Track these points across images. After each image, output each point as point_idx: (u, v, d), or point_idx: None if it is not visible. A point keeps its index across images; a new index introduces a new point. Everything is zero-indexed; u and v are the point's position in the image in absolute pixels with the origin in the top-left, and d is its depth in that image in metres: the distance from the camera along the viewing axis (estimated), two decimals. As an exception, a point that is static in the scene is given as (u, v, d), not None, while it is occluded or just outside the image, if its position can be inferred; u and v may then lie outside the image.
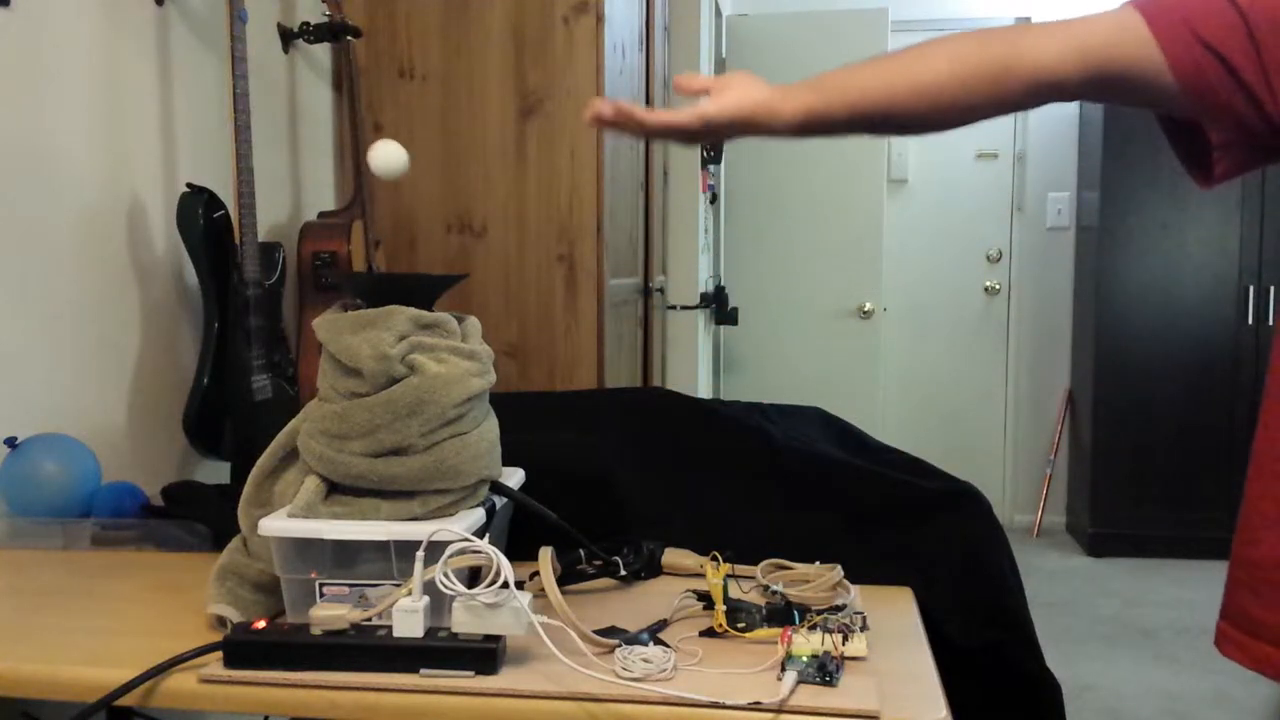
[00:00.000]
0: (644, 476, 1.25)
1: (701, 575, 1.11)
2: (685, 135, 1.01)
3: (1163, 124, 1.00)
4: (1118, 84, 0.92)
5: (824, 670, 0.84)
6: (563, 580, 1.06)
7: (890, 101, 0.96)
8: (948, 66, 0.94)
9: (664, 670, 0.85)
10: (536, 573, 0.97)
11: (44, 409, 1.48)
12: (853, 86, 0.97)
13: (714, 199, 4.26)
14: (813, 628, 0.90)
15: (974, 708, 1.12)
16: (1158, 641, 3.48)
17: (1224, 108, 0.90)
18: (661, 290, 3.25)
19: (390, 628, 0.87)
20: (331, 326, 0.99)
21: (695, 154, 3.70)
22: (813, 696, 0.82)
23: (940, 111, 0.96)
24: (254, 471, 1.05)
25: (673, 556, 1.15)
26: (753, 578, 1.09)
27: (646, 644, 0.89)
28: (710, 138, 1.01)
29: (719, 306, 4.10)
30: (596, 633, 0.91)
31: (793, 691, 0.82)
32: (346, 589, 0.96)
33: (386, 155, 1.15)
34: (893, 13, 4.59)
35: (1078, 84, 0.93)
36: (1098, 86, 0.93)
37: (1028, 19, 4.74)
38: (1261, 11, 0.87)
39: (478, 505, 1.01)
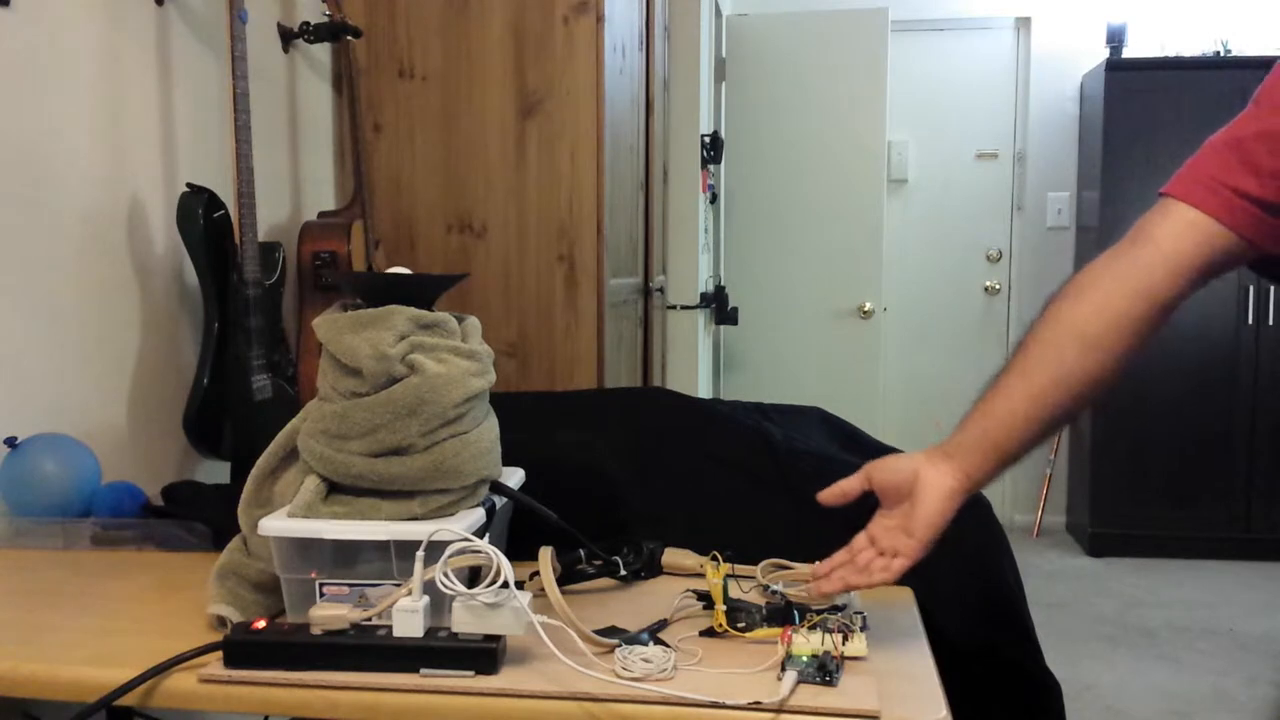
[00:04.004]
0: (644, 476, 1.25)
1: (701, 575, 1.11)
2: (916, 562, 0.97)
3: (1256, 269, 1.02)
4: (1216, 272, 0.95)
5: (824, 670, 0.84)
6: (563, 580, 1.06)
7: (1055, 411, 0.93)
8: (1086, 350, 0.92)
9: (664, 670, 0.85)
10: (536, 573, 0.97)
11: (44, 409, 1.48)
12: (1018, 422, 0.94)
13: (714, 199, 4.26)
14: (813, 628, 0.90)
15: (974, 708, 1.12)
16: (1158, 641, 3.48)
17: None
18: (661, 290, 3.25)
19: (390, 628, 0.87)
20: (331, 326, 0.99)
21: (695, 154, 3.70)
22: (813, 696, 0.82)
23: (1103, 384, 0.94)
24: (254, 471, 1.05)
25: (673, 556, 1.15)
26: (753, 578, 1.09)
27: (646, 644, 0.89)
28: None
29: (719, 306, 4.10)
30: (596, 633, 0.91)
31: (793, 691, 0.82)
32: (346, 589, 0.96)
33: None
34: (893, 13, 4.59)
35: (1190, 292, 0.94)
36: (1205, 281, 0.95)
37: (1028, 20, 4.74)
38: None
39: (478, 505, 1.01)
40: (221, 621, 0.98)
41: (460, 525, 0.94)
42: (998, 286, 4.92)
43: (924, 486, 0.96)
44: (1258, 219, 0.91)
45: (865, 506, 1.19)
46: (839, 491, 1.02)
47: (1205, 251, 0.93)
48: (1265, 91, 0.92)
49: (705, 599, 1.01)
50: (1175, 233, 0.93)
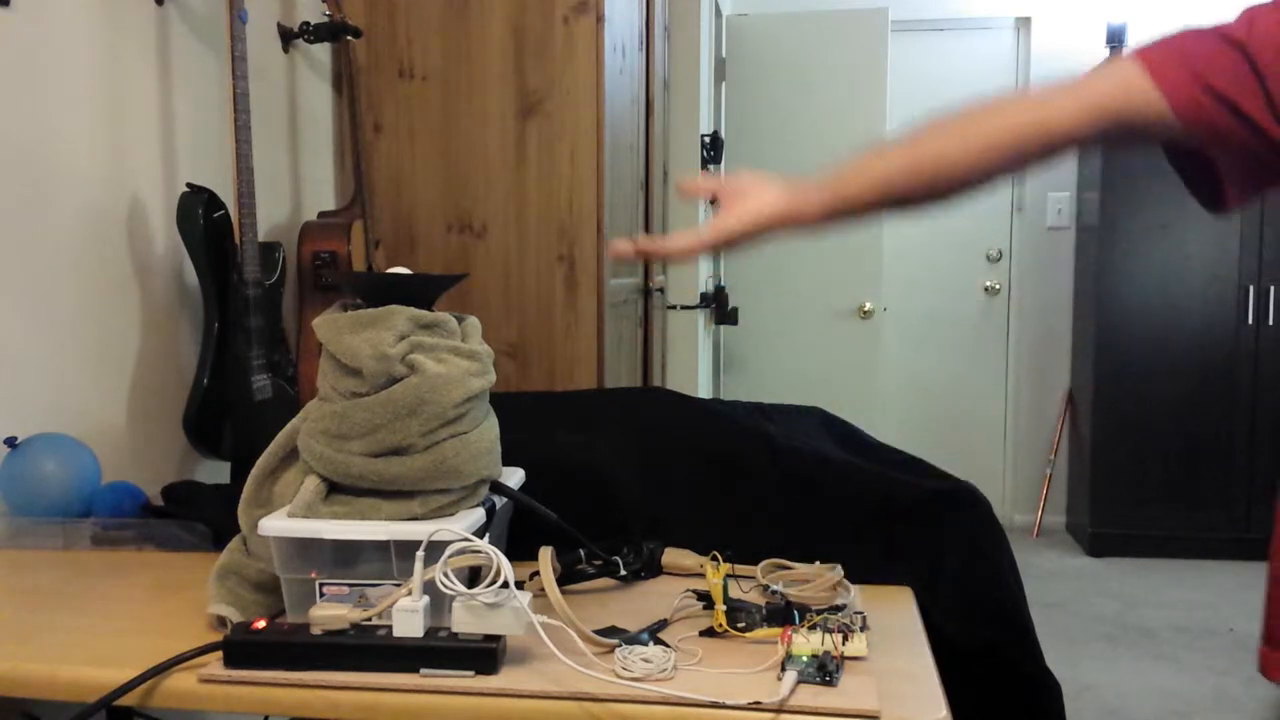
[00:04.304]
0: (644, 476, 1.25)
1: (701, 575, 1.11)
2: (712, 252, 1.02)
3: (1171, 159, 1.01)
4: (1129, 135, 0.94)
5: (824, 670, 0.84)
6: (563, 580, 1.06)
7: (909, 183, 0.97)
8: (964, 143, 0.95)
9: (664, 670, 0.85)
10: (536, 573, 0.97)
11: (44, 409, 1.48)
12: (869, 174, 0.98)
13: (714, 199, 4.26)
14: (813, 628, 0.90)
15: (974, 708, 1.12)
16: (1158, 641, 3.48)
17: (1231, 142, 0.91)
18: (661, 290, 3.25)
19: (390, 628, 0.87)
20: (331, 326, 0.99)
21: (695, 154, 3.70)
22: (813, 696, 0.82)
23: (965, 186, 0.97)
24: (254, 471, 1.05)
25: (673, 556, 1.15)
26: (753, 578, 1.09)
27: (646, 644, 0.89)
28: (735, 249, 1.02)
29: (719, 306, 4.10)
30: (596, 633, 0.91)
31: (793, 691, 0.82)
32: (346, 589, 0.96)
33: None
34: (893, 13, 4.59)
35: (1093, 141, 0.95)
36: (1110, 139, 0.95)
37: (1028, 20, 4.74)
38: (1262, 40, 0.88)
39: (478, 505, 1.01)
40: (221, 621, 0.98)
41: (460, 525, 0.94)
42: (998, 286, 4.92)
43: (759, 191, 1.02)
44: (1228, 128, 0.90)
45: (866, 507, 1.20)
46: (693, 185, 1.09)
47: (1131, 114, 0.92)
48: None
49: (705, 599, 1.01)
50: (1113, 82, 0.93)
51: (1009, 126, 0.95)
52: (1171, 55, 0.92)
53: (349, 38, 2.10)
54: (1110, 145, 0.97)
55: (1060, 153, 0.96)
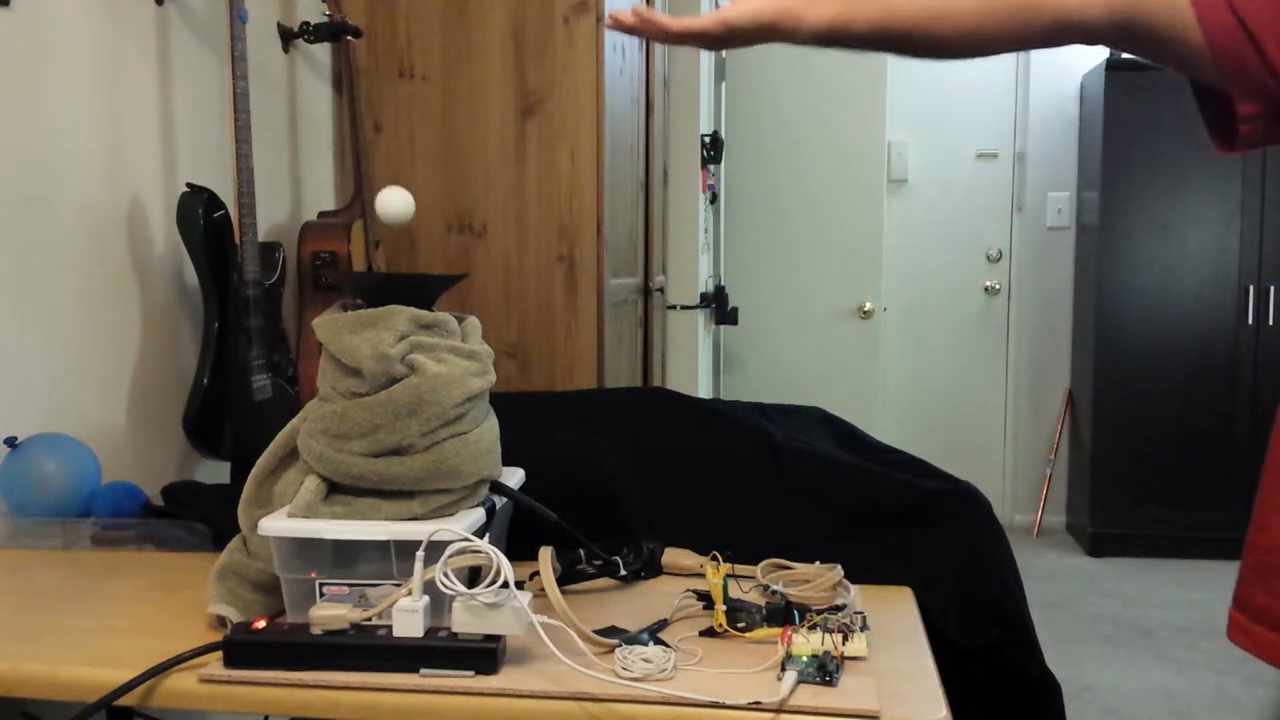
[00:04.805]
0: (644, 476, 1.25)
1: (701, 575, 1.11)
2: (707, 41, 0.98)
3: (1194, 86, 0.98)
4: (1145, 38, 0.91)
5: (824, 670, 0.84)
6: (563, 580, 1.06)
7: (916, 22, 0.95)
8: (979, 2, 0.92)
9: (664, 670, 0.85)
10: (536, 573, 0.97)
11: (44, 409, 1.48)
12: (883, 6, 0.95)
13: (714, 199, 4.26)
14: (813, 628, 0.90)
15: (974, 708, 1.12)
16: (1158, 641, 3.48)
17: (1250, 80, 0.88)
18: (661, 290, 3.25)
19: (390, 628, 0.87)
20: (331, 326, 0.99)
21: (695, 154, 3.69)
22: (813, 696, 0.82)
23: (964, 39, 0.94)
24: (254, 471, 1.05)
25: (673, 556, 1.15)
26: (753, 578, 1.09)
27: (646, 644, 0.89)
28: (732, 44, 0.99)
29: (719, 306, 4.10)
30: (596, 633, 0.91)
31: (793, 691, 0.82)
32: (346, 589, 0.96)
33: (394, 203, 1.14)
34: (893, 13, 4.58)
35: (1104, 30, 0.91)
36: (1125, 36, 0.91)
37: (1028, 19, 4.74)
38: None
39: (478, 505, 1.01)
40: (221, 621, 0.98)
41: (460, 525, 0.94)
42: (998, 286, 4.92)
43: None
44: (1242, 57, 0.87)
45: (866, 507, 1.19)
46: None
47: (1149, 8, 0.89)
48: None
49: (705, 599, 1.01)
50: None
51: (1021, 6, 0.91)
52: None
53: (349, 38, 2.10)
54: (1125, 47, 0.93)
55: (1069, 35, 0.92)
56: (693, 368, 3.71)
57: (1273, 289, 4.22)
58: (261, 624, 0.89)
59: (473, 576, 0.89)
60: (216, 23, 1.87)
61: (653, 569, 1.14)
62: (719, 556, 1.02)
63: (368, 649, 0.87)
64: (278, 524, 0.94)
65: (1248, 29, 0.86)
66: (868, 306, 4.41)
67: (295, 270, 2.01)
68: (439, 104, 2.28)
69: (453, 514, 0.99)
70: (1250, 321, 4.26)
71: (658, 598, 1.07)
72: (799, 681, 0.83)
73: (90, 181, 1.57)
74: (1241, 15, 0.86)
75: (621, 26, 0.98)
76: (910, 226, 4.96)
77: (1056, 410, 4.86)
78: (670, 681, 0.85)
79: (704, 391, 3.96)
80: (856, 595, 1.03)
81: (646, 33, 0.99)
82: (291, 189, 2.16)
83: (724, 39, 0.98)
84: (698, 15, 0.98)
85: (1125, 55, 4.39)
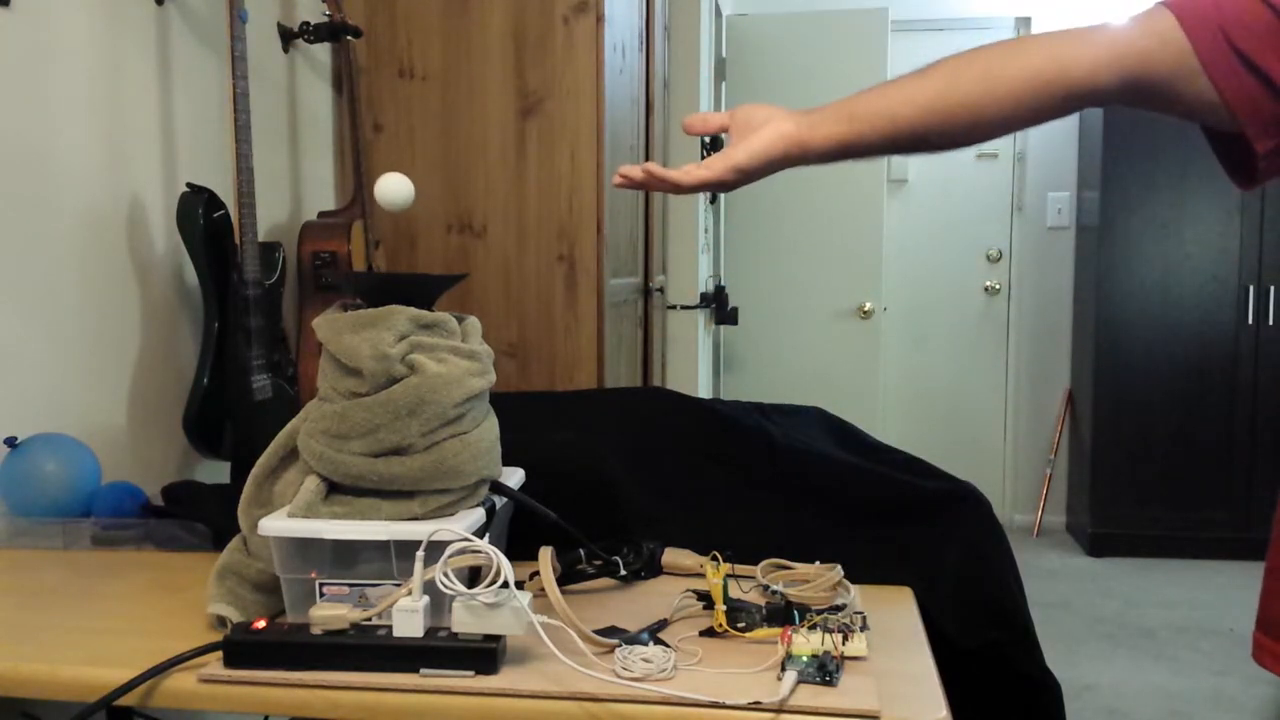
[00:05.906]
0: (644, 476, 1.25)
1: (701, 575, 1.11)
2: (721, 187, 0.99)
3: (1205, 130, 0.97)
4: (1160, 92, 0.90)
5: (824, 670, 0.84)
6: (563, 580, 1.06)
7: (926, 122, 0.94)
8: (984, 84, 0.92)
9: (664, 670, 0.85)
10: (536, 573, 0.97)
11: (44, 409, 1.48)
12: (884, 111, 0.95)
13: (714, 199, 4.26)
14: (813, 628, 0.90)
15: (974, 708, 1.12)
16: (1158, 641, 3.48)
17: (1263, 114, 0.87)
18: (661, 290, 3.25)
19: (390, 627, 0.87)
20: (331, 326, 0.99)
21: (695, 154, 3.70)
22: (813, 696, 0.82)
23: (979, 128, 0.94)
24: (254, 471, 1.05)
25: (673, 556, 1.15)
26: (753, 578, 1.09)
27: (646, 644, 0.89)
28: (745, 184, 0.99)
29: (719, 306, 4.10)
30: (596, 633, 0.91)
31: (793, 691, 0.82)
32: (346, 589, 0.96)
33: (393, 189, 1.14)
34: (893, 13, 4.59)
35: (1116, 93, 0.91)
36: (1139, 95, 0.91)
37: (1028, 20, 4.74)
38: None
39: (478, 505, 1.01)
40: (221, 621, 0.98)
41: (460, 525, 0.94)
42: (998, 286, 4.92)
43: (768, 122, 0.98)
44: (1255, 95, 0.86)
45: (866, 507, 1.20)
46: (700, 119, 1.04)
47: (1157, 64, 0.88)
48: None
49: (705, 599, 1.01)
50: (1143, 33, 0.89)
51: (1028, 69, 0.90)
52: (1207, 12, 0.87)
53: (349, 38, 2.10)
54: (1137, 104, 0.92)
55: (1082, 103, 0.92)
56: (693, 368, 3.71)
57: (1273, 289, 4.22)
58: (261, 624, 0.89)
59: (473, 576, 0.89)
60: (216, 23, 1.87)
61: (653, 569, 1.14)
62: (719, 556, 1.02)
63: (368, 649, 0.87)
64: (278, 524, 0.94)
65: (1249, 61, 0.85)
66: (868, 306, 4.41)
67: (295, 270, 2.01)
68: (439, 104, 2.28)
69: (453, 514, 0.99)
70: (1250, 321, 4.26)
71: (658, 598, 1.07)
72: (799, 681, 0.83)
73: (90, 181, 1.57)
74: (1241, 49, 0.86)
75: (631, 183, 0.99)
76: (910, 226, 4.96)
77: (1056, 410, 4.86)
78: (670, 681, 0.85)
79: (704, 391, 3.96)
80: (856, 595, 1.03)
81: (658, 188, 0.99)
82: (291, 189, 2.16)
83: (737, 182, 0.98)
84: (706, 164, 0.98)
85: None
